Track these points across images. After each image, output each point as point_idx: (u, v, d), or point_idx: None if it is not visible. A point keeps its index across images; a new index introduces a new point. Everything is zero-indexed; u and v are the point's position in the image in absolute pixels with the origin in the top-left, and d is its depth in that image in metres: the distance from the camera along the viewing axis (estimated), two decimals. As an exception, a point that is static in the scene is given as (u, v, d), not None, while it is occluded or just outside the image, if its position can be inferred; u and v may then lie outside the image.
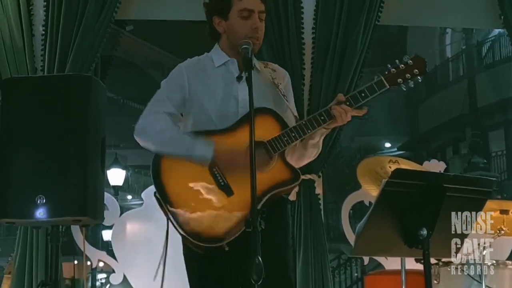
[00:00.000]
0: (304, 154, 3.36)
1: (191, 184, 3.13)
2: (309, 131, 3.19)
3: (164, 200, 3.11)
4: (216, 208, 3.09)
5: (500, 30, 8.90)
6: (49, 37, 5.36)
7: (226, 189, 3.11)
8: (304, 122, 3.19)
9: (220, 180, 3.12)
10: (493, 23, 6.01)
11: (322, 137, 3.32)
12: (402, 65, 3.24)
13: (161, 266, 3.23)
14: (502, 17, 5.65)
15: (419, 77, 3.24)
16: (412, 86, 3.25)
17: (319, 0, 5.52)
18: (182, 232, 3.08)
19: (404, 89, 3.26)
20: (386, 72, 3.24)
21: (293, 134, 3.17)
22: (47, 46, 5.35)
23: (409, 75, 3.23)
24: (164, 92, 3.33)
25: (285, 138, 3.16)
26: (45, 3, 5.43)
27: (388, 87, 3.22)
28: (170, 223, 3.13)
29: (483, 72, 17.61)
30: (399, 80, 3.23)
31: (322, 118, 3.19)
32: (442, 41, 20.22)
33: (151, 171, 3.18)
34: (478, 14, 6.00)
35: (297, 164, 3.36)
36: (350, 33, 5.47)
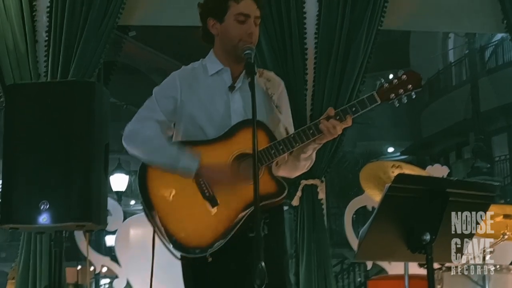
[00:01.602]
0: (297, 166, 3.33)
1: (176, 194, 3.12)
2: (297, 144, 3.14)
3: (149, 208, 3.10)
4: (199, 219, 3.07)
5: (503, 34, 8.90)
6: (52, 43, 5.37)
7: (211, 200, 3.09)
8: (292, 135, 3.15)
9: (206, 191, 3.10)
10: (496, 28, 6.01)
11: (315, 151, 3.29)
12: (396, 80, 3.16)
13: (152, 274, 3.25)
14: (505, 21, 5.65)
15: (413, 93, 3.17)
16: (406, 101, 3.18)
17: (322, 5, 5.52)
18: (165, 241, 3.07)
19: (397, 105, 3.19)
20: (379, 87, 3.17)
21: (281, 147, 3.12)
22: (50, 52, 5.37)
23: (402, 90, 3.15)
24: (156, 100, 3.30)
25: (273, 151, 3.11)
26: (48, 9, 5.44)
27: (379, 102, 3.16)
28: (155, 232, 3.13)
29: (486, 76, 17.63)
30: (392, 95, 3.15)
31: (311, 131, 3.14)
32: (445, 45, 20.25)
33: (137, 179, 3.16)
34: (481, 19, 6.00)
35: (290, 175, 3.36)
36: (352, 38, 5.48)
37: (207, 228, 3.04)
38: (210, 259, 3.03)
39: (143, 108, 3.32)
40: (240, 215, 3.03)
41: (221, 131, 3.19)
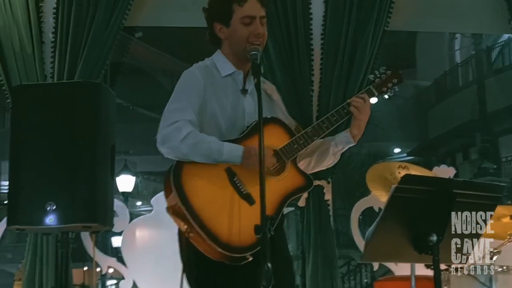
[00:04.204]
0: (323, 161, 3.40)
1: (213, 196, 3.10)
2: (315, 138, 3.24)
3: (190, 213, 3.04)
4: (240, 218, 3.07)
5: (509, 35, 8.89)
6: (58, 44, 5.39)
7: (248, 198, 3.09)
8: (310, 130, 3.24)
9: (242, 190, 3.10)
10: (503, 28, 6.00)
11: (345, 148, 3.38)
12: (384, 75, 3.41)
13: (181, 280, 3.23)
14: (511, 22, 5.64)
15: (396, 87, 3.42)
16: (392, 95, 3.43)
17: (328, 5, 5.52)
18: (212, 244, 3.02)
19: (386, 97, 3.43)
20: (373, 81, 3.40)
21: (302, 141, 3.21)
22: (57, 53, 5.38)
23: (390, 84, 3.40)
24: (183, 99, 3.24)
25: (295, 146, 3.20)
26: (55, 10, 5.46)
27: (376, 94, 3.38)
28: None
29: (493, 77, 17.58)
30: (384, 89, 3.39)
31: (325, 125, 3.26)
32: (452, 46, 20.22)
33: (173, 186, 3.08)
34: (488, 19, 5.99)
35: (307, 170, 3.38)
36: (359, 38, 5.47)
37: (248, 227, 3.00)
38: (250, 259, 3.02)
39: (171, 110, 3.22)
40: (278, 210, 3.10)
41: (236, 133, 3.21)
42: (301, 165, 3.35)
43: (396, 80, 3.40)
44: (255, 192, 3.08)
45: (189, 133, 3.14)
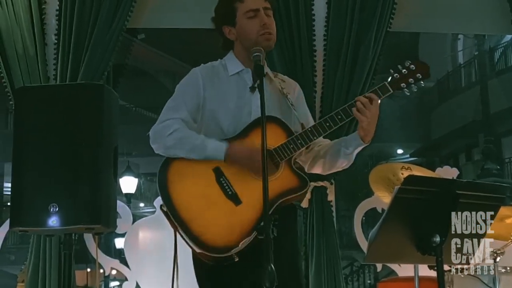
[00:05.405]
0: (336, 162, 3.34)
1: (198, 195, 3.11)
2: (314, 137, 3.18)
3: (172, 212, 3.09)
4: (224, 218, 3.06)
5: (512, 35, 8.87)
6: (61, 46, 5.39)
7: (234, 199, 3.09)
8: (309, 129, 3.19)
9: (228, 190, 3.10)
10: (505, 29, 5.99)
11: (357, 150, 3.29)
12: (405, 70, 3.25)
13: (175, 281, 3.23)
14: (514, 22, 5.64)
15: (422, 82, 3.26)
16: (415, 90, 3.27)
17: (331, 7, 5.52)
18: (191, 244, 3.06)
19: (408, 94, 3.28)
20: (389, 78, 3.25)
21: (299, 141, 3.16)
22: (60, 55, 5.38)
23: (412, 79, 3.25)
24: (179, 98, 3.30)
25: (291, 146, 3.14)
26: (58, 12, 5.46)
27: (392, 91, 3.22)
28: (178, 236, 3.11)
29: (496, 78, 17.58)
30: (402, 84, 3.24)
31: (327, 124, 3.19)
32: (454, 47, 20.22)
33: (157, 184, 3.14)
34: (490, 20, 5.99)
35: (324, 171, 3.40)
36: (361, 40, 5.47)
37: (232, 228, 3.04)
38: (237, 259, 3.02)
39: (166, 109, 3.30)
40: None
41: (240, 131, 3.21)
42: (318, 166, 3.36)
43: (420, 74, 3.25)
44: (242, 192, 3.09)
45: (177, 129, 3.19)
